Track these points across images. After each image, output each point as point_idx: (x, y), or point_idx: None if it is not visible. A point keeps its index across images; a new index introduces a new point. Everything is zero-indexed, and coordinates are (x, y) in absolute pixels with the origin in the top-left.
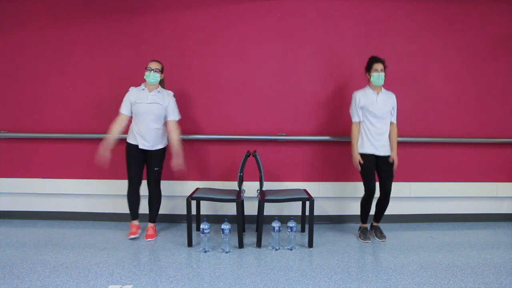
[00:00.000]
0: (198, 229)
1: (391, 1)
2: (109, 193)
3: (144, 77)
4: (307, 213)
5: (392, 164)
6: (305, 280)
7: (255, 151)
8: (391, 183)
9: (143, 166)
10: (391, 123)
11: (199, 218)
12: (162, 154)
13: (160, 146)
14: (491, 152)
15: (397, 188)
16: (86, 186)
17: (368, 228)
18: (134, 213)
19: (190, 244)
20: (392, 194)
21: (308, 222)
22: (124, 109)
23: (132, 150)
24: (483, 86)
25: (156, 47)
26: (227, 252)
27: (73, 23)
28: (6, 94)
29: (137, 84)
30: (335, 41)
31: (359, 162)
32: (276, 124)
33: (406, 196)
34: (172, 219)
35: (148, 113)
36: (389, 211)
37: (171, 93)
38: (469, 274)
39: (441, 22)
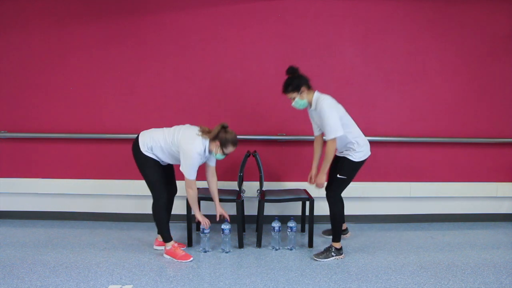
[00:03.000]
0: (198, 229)
1: (391, 1)
2: (109, 193)
3: (216, 156)
4: (307, 213)
5: (333, 175)
6: (305, 280)
7: (255, 151)
8: (327, 191)
9: None
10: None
11: None
12: None
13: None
14: (491, 152)
15: (397, 188)
16: (86, 186)
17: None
18: (169, 229)
19: (190, 244)
20: (392, 194)
21: (308, 222)
22: (196, 172)
23: (158, 164)
24: (483, 85)
25: (156, 47)
26: (227, 252)
27: (73, 23)
28: (6, 94)
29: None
30: (335, 41)
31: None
32: (276, 124)
33: (406, 196)
34: (172, 219)
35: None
36: (389, 211)
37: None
38: (469, 274)
39: (441, 21)
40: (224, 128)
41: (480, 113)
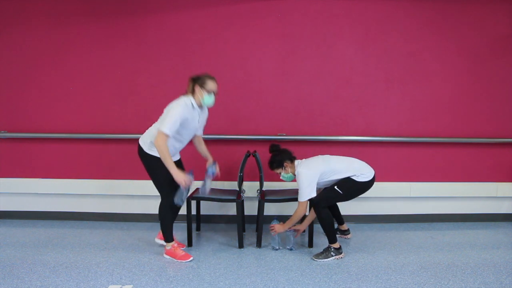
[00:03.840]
0: (198, 229)
1: (391, 1)
2: (109, 193)
3: (203, 100)
4: (307, 213)
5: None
6: (305, 280)
7: (255, 151)
8: (315, 197)
9: None
10: None
11: (199, 218)
12: None
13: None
14: (491, 152)
15: (397, 188)
16: (86, 186)
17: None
18: (172, 230)
19: (190, 244)
20: (392, 194)
21: None
22: (174, 130)
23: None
24: (483, 85)
25: (156, 47)
26: (203, 195)
27: (73, 23)
28: (6, 94)
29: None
30: (335, 41)
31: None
32: (276, 124)
33: (406, 196)
34: None
35: (194, 133)
36: (389, 211)
37: (206, 108)
38: (469, 274)
39: (441, 21)
40: (194, 79)
41: (480, 113)
